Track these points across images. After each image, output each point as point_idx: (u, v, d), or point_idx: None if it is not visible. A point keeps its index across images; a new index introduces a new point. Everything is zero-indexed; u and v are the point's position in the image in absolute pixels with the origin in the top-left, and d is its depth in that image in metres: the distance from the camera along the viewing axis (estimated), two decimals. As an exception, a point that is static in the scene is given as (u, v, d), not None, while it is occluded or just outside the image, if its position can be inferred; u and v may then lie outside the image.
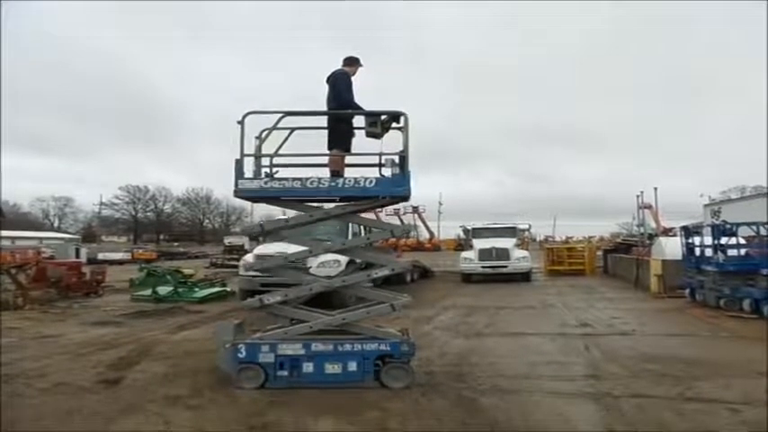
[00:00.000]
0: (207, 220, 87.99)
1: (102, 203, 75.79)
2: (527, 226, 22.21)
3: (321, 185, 5.51)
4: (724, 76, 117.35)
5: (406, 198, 5.78)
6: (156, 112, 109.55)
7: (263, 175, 5.62)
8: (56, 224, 78.98)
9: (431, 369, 6.11)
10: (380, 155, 5.88)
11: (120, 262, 37.65)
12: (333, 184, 5.53)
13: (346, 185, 5.52)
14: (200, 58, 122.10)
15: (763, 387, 5.16)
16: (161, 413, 4.68)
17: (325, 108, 6.18)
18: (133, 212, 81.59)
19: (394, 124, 5.81)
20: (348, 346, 5.38)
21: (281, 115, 5.70)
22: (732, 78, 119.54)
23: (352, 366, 5.36)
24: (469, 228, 21.52)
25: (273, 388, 5.26)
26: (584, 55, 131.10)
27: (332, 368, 5.37)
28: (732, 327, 8.74)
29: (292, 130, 5.97)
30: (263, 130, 5.78)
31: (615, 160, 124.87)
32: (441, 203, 72.30)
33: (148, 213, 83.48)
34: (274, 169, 5.71)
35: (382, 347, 5.40)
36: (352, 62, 6.34)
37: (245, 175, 5.56)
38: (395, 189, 5.59)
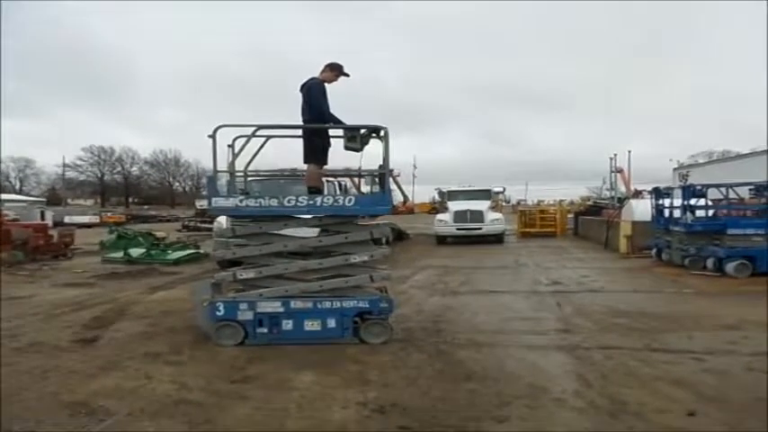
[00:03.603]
0: (177, 183, 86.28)
1: (65, 165, 73.33)
2: (501, 189, 22.42)
3: (299, 204, 5.43)
4: (693, 38, 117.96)
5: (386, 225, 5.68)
6: (106, 71, 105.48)
7: (237, 192, 5.56)
8: (17, 186, 76.33)
9: (408, 325, 6.23)
10: (360, 172, 5.77)
11: (89, 225, 36.87)
12: (311, 202, 5.44)
13: (325, 204, 5.45)
14: (149, 12, 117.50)
15: (724, 338, 5.43)
16: (141, 369, 4.67)
17: (299, 117, 5.94)
18: (99, 174, 79.31)
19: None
20: (327, 304, 5.42)
21: (254, 128, 5.53)
22: (701, 41, 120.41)
23: (332, 323, 5.41)
24: (445, 190, 21.66)
25: (253, 345, 5.31)
26: (548, 12, 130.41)
27: (311, 325, 5.42)
28: (696, 284, 9.10)
29: (267, 138, 5.84)
30: (236, 138, 5.62)
31: (584, 123, 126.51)
32: (415, 167, 72.44)
33: (115, 176, 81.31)
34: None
35: (361, 304, 5.46)
36: (332, 68, 5.98)
37: (220, 192, 5.52)
38: (376, 208, 5.61)
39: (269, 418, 3.59)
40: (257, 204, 5.42)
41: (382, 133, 5.57)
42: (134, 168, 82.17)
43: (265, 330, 5.39)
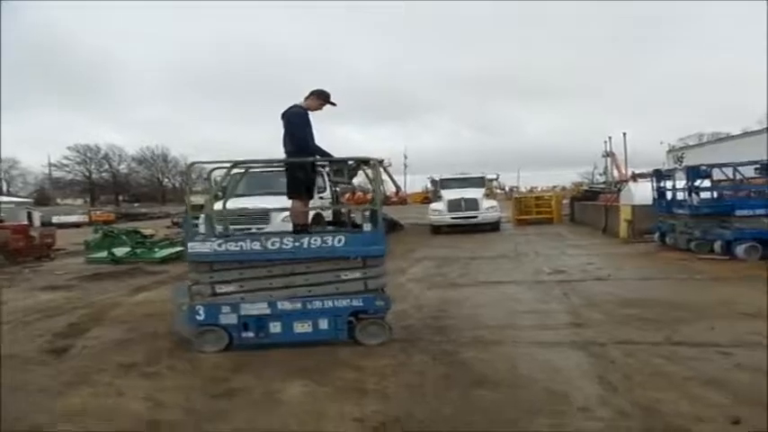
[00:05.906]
0: (167, 179, 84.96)
1: (51, 164, 71.92)
2: (495, 176, 21.97)
3: (284, 246, 4.95)
4: (670, 20, 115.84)
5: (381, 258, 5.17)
6: (81, 68, 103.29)
7: (216, 233, 5.18)
8: (4, 188, 74.97)
9: (408, 323, 5.80)
10: (348, 209, 5.38)
11: (77, 225, 36.15)
12: (297, 244, 4.95)
13: (312, 245, 4.95)
14: (121, 9, 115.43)
15: (748, 329, 5.02)
16: (113, 383, 4.20)
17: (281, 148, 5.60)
18: (87, 173, 77.98)
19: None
20: (318, 304, 4.96)
21: (230, 164, 5.30)
22: (678, 24, 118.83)
23: (324, 324, 4.96)
24: (437, 179, 21.18)
25: (239, 350, 4.84)
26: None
27: (301, 327, 4.96)
28: (705, 268, 8.72)
29: (246, 170, 5.72)
30: (212, 170, 5.45)
31: (573, 109, 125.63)
32: (406, 156, 71.87)
33: (103, 174, 79.98)
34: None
35: (355, 303, 5.00)
36: (318, 96, 5.54)
37: (196, 237, 5.19)
38: (369, 248, 5.05)
39: (253, 441, 3.14)
40: (238, 248, 4.92)
41: (372, 163, 5.23)
42: (122, 166, 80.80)
43: (252, 334, 4.94)
